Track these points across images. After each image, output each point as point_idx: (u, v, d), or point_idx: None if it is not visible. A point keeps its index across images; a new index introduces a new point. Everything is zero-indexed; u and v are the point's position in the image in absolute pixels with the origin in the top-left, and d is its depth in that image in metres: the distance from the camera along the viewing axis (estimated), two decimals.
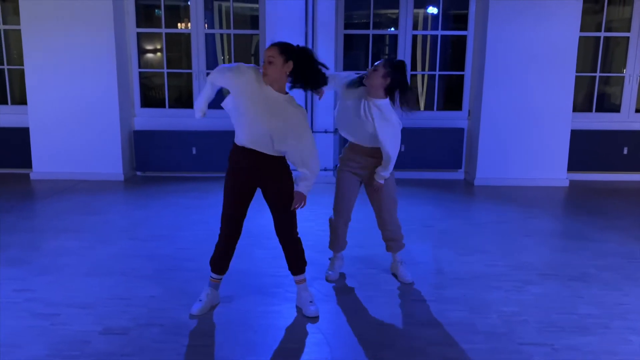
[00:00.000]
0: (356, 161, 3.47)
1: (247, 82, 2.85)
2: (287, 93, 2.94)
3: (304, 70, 2.87)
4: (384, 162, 3.35)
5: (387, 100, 3.33)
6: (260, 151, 2.93)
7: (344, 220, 3.59)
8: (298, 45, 2.89)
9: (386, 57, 3.43)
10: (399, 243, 3.66)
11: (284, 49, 2.83)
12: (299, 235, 3.17)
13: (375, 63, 3.32)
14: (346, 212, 3.57)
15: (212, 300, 3.24)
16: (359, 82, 3.36)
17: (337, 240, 3.65)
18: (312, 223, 4.68)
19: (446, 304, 3.34)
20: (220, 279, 3.25)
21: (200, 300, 3.19)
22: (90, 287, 3.52)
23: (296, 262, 3.18)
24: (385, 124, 3.29)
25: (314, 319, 3.12)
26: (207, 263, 3.85)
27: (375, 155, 3.39)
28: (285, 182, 3.03)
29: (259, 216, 4.33)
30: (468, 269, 3.90)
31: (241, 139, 2.95)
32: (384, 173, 3.38)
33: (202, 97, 3.06)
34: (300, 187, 2.96)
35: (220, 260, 3.18)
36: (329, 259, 3.79)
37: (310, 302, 3.18)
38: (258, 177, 3.00)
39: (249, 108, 2.85)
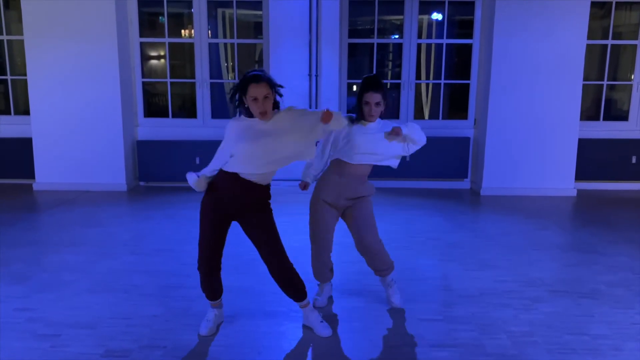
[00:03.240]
0: (339, 184, 3.27)
1: (237, 127, 2.83)
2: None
3: (276, 91, 2.83)
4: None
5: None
6: (254, 181, 2.85)
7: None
8: (261, 69, 2.83)
9: (366, 76, 3.27)
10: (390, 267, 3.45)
11: (271, 83, 2.77)
12: (290, 262, 3.02)
13: (368, 95, 3.14)
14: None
15: (219, 319, 3.19)
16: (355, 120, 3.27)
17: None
18: None
19: (455, 323, 3.27)
20: (219, 302, 3.17)
21: (208, 320, 3.13)
22: (92, 305, 3.47)
23: (295, 291, 3.05)
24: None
25: (328, 337, 3.07)
26: None
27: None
28: (268, 212, 2.96)
29: None
30: (477, 285, 3.83)
31: (239, 168, 2.84)
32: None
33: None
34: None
35: (213, 286, 3.06)
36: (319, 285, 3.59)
37: (321, 321, 3.12)
38: (241, 208, 2.90)
39: (250, 147, 2.80)
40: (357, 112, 3.25)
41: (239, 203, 2.89)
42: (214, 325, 3.13)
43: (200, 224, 2.94)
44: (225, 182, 2.87)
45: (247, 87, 2.73)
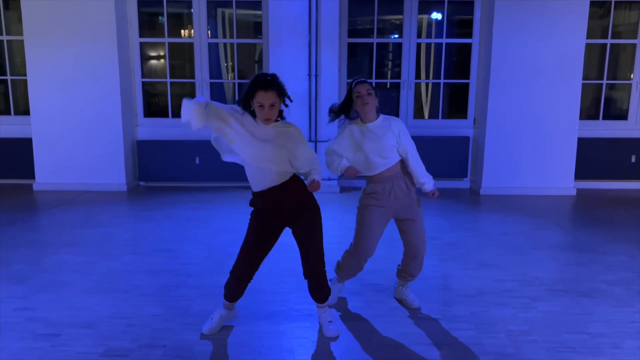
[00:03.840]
0: (388, 191, 3.26)
1: (245, 122, 2.86)
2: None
3: (284, 99, 2.86)
4: (418, 166, 3.37)
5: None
6: (281, 183, 2.88)
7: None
8: (273, 75, 2.82)
9: (356, 79, 3.27)
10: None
11: (280, 90, 2.79)
12: (325, 268, 3.05)
13: (359, 86, 3.16)
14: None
15: (224, 321, 3.17)
16: (339, 114, 3.27)
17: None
18: None
19: (454, 322, 3.27)
20: (233, 304, 3.19)
21: (213, 319, 3.13)
22: (92, 305, 3.47)
23: (322, 296, 3.09)
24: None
25: (333, 339, 3.07)
26: (211, 280, 3.84)
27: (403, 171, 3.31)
28: (314, 215, 2.98)
29: None
30: (476, 285, 3.83)
31: (259, 184, 2.90)
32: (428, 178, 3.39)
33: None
34: (314, 176, 2.90)
35: (237, 291, 3.10)
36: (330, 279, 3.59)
37: (330, 322, 3.13)
38: (287, 212, 2.94)
39: (252, 147, 2.85)
40: (348, 112, 3.24)
41: (280, 209, 2.93)
42: (216, 325, 3.11)
43: (246, 233, 2.99)
44: (259, 198, 2.94)
45: (255, 93, 2.77)
